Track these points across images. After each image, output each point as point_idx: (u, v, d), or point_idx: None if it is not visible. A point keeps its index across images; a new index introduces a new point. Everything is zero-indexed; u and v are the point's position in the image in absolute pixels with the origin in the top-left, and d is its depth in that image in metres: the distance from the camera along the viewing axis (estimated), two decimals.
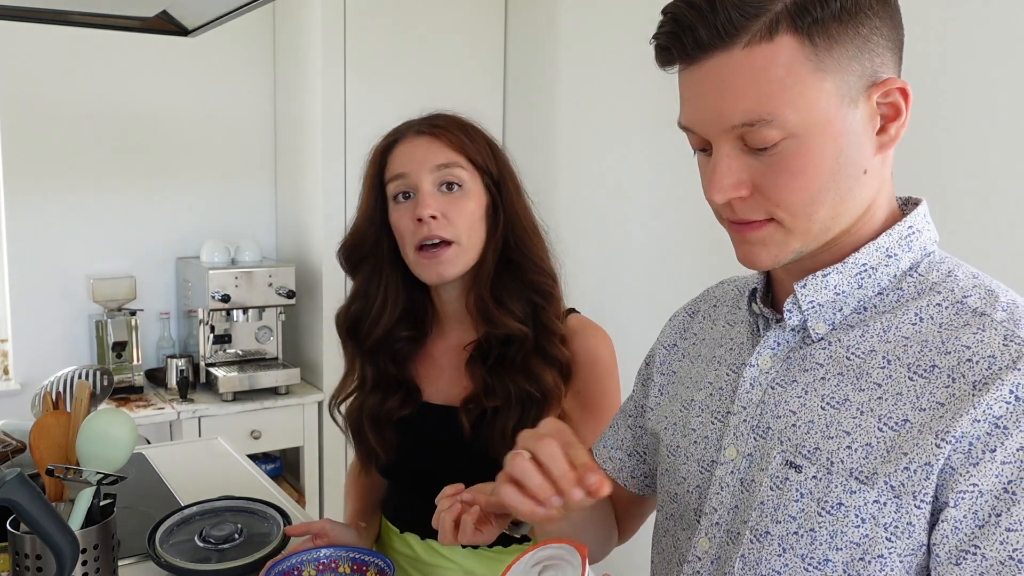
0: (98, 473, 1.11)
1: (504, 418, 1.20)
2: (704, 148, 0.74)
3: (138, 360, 2.91)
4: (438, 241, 1.19)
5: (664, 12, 0.72)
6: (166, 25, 1.66)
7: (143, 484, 1.60)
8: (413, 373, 1.31)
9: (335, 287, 2.96)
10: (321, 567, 1.19)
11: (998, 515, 0.64)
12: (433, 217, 1.18)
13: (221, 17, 1.56)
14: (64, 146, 2.88)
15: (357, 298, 1.30)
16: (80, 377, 1.63)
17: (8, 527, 1.07)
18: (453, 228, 1.19)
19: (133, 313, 2.92)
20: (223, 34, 2.70)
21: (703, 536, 0.81)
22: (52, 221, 2.89)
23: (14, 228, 2.84)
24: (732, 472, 0.80)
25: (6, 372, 2.90)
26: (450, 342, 1.31)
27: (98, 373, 1.66)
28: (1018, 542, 0.63)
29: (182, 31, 1.69)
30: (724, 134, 0.71)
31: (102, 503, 1.14)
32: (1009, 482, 0.64)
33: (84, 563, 1.08)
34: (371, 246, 1.26)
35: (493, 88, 3.13)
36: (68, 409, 1.29)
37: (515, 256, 1.24)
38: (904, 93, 0.71)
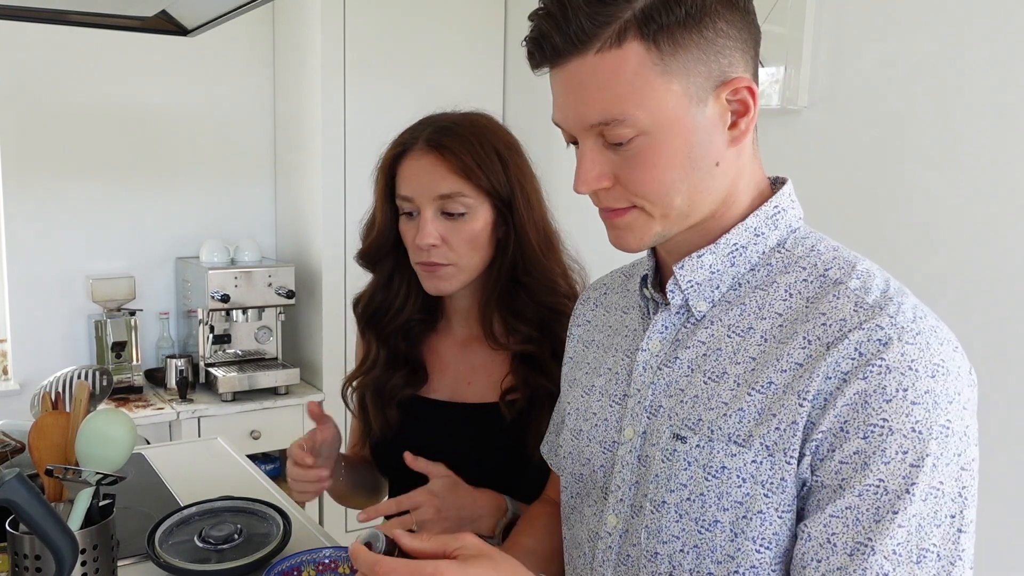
0: (97, 473, 1.11)
1: (539, 412, 1.21)
2: (574, 142, 0.80)
3: (137, 360, 2.92)
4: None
5: (529, 19, 0.78)
6: (165, 25, 1.66)
7: (142, 484, 1.60)
8: (422, 358, 1.32)
9: (335, 287, 2.96)
10: (321, 567, 1.19)
11: (832, 450, 0.71)
12: (434, 244, 1.18)
13: (220, 17, 1.56)
14: (64, 146, 2.88)
15: (379, 289, 1.31)
16: (79, 377, 1.63)
17: (7, 527, 1.07)
18: (452, 253, 1.19)
19: (132, 313, 2.92)
20: (223, 34, 2.70)
21: (611, 513, 0.86)
22: (52, 221, 2.89)
23: (13, 228, 2.84)
24: (630, 451, 0.85)
25: (5, 372, 2.90)
26: (456, 338, 1.32)
27: (97, 373, 1.66)
28: (846, 472, 0.70)
29: (181, 31, 1.69)
30: (585, 132, 0.77)
31: (101, 503, 1.14)
32: (845, 422, 0.70)
33: (83, 563, 1.08)
34: (389, 248, 1.28)
35: (493, 87, 3.13)
36: (67, 409, 1.29)
37: (523, 278, 1.23)
38: (751, 91, 0.76)
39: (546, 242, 1.25)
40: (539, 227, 1.24)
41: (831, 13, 2.00)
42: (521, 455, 1.22)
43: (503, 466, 1.24)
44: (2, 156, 2.80)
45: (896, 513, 0.68)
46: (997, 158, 1.69)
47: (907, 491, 0.68)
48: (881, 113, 1.90)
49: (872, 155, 1.93)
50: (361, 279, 1.39)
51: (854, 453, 0.70)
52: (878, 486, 0.69)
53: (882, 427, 0.69)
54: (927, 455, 0.68)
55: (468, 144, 1.18)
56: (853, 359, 0.71)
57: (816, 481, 0.72)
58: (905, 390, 0.69)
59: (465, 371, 1.30)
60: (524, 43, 0.79)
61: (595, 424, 0.91)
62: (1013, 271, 1.67)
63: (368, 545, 0.71)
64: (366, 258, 1.31)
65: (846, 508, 0.70)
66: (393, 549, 0.72)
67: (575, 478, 0.94)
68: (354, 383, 1.36)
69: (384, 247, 1.28)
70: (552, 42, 0.75)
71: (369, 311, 1.32)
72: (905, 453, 0.68)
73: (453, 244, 1.19)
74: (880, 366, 0.69)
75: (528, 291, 1.23)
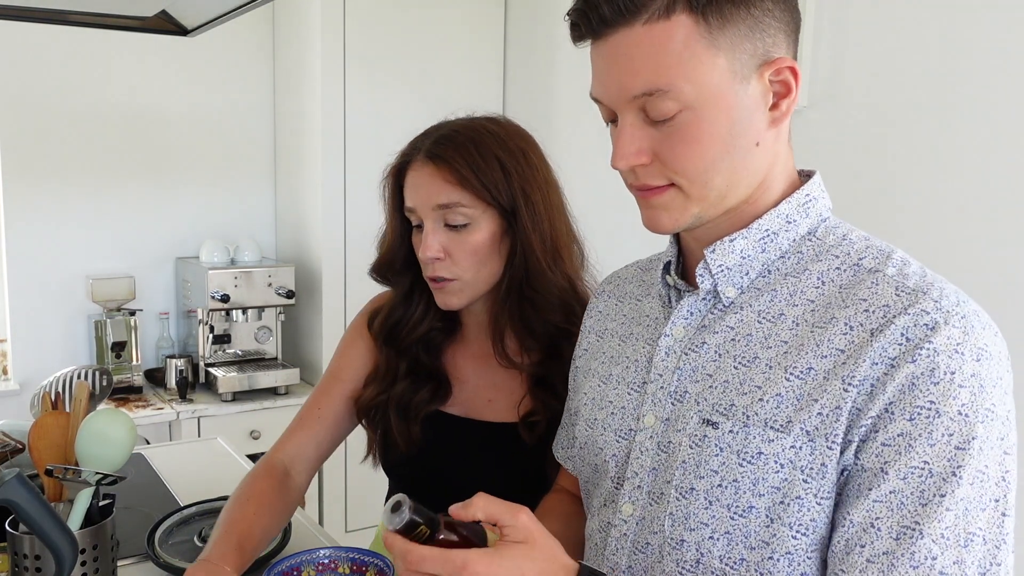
0: (97, 473, 1.11)
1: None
2: (613, 119, 0.80)
3: (137, 360, 2.91)
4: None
5: None
6: (165, 25, 1.66)
7: (142, 484, 1.60)
8: (444, 370, 1.28)
9: (335, 287, 2.96)
10: (321, 567, 1.19)
11: (875, 431, 0.71)
12: (437, 258, 1.15)
13: (220, 17, 1.56)
14: (63, 146, 2.88)
15: (398, 304, 1.27)
16: (79, 377, 1.63)
17: (7, 527, 1.07)
18: (456, 267, 1.16)
19: (132, 313, 2.92)
20: (223, 34, 2.70)
21: (626, 501, 0.85)
22: (51, 221, 2.89)
23: (13, 228, 2.84)
24: (651, 437, 0.84)
25: (5, 372, 2.90)
26: (474, 352, 1.28)
27: (97, 373, 1.66)
28: (889, 455, 0.70)
29: (181, 31, 1.70)
30: (627, 105, 0.76)
31: (101, 503, 1.14)
32: (890, 403, 0.70)
33: (83, 563, 1.08)
34: (403, 261, 1.24)
35: (493, 86, 3.12)
36: (67, 409, 1.29)
37: (527, 291, 1.18)
38: (794, 72, 0.76)
39: (553, 254, 1.18)
40: (545, 238, 1.17)
41: (831, 13, 2.00)
42: (539, 478, 1.18)
43: (520, 487, 1.19)
44: (2, 156, 2.80)
45: (944, 496, 0.68)
46: (997, 158, 1.69)
47: (953, 474, 0.68)
48: (881, 113, 1.90)
49: (872, 155, 1.93)
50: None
51: (899, 435, 0.69)
52: (922, 468, 0.69)
53: (929, 409, 0.69)
54: (974, 438, 0.68)
55: (465, 152, 1.14)
56: (900, 344, 0.71)
57: (857, 465, 0.71)
58: (952, 373, 0.69)
59: (483, 388, 1.26)
60: (568, 16, 0.78)
61: (611, 412, 0.90)
62: (1014, 270, 1.67)
63: (397, 506, 0.68)
64: (379, 271, 1.27)
65: (890, 492, 0.69)
66: (420, 515, 0.68)
67: (591, 469, 0.93)
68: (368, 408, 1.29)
69: (397, 261, 1.24)
70: (600, 12, 0.74)
71: (387, 327, 1.27)
72: (951, 436, 0.68)
73: (457, 257, 1.15)
74: (929, 349, 0.69)
75: (534, 306, 1.18)
